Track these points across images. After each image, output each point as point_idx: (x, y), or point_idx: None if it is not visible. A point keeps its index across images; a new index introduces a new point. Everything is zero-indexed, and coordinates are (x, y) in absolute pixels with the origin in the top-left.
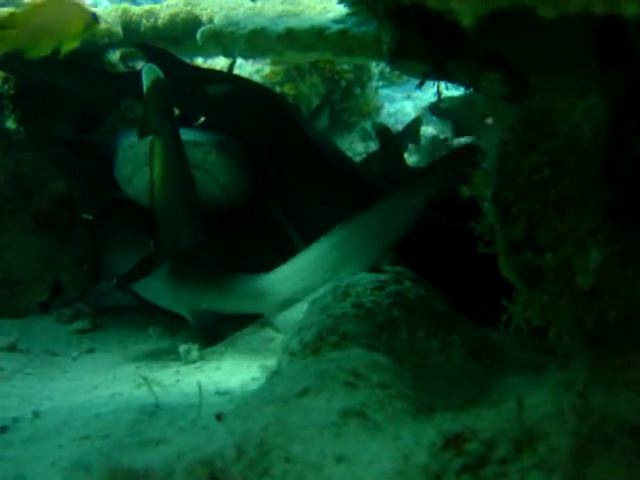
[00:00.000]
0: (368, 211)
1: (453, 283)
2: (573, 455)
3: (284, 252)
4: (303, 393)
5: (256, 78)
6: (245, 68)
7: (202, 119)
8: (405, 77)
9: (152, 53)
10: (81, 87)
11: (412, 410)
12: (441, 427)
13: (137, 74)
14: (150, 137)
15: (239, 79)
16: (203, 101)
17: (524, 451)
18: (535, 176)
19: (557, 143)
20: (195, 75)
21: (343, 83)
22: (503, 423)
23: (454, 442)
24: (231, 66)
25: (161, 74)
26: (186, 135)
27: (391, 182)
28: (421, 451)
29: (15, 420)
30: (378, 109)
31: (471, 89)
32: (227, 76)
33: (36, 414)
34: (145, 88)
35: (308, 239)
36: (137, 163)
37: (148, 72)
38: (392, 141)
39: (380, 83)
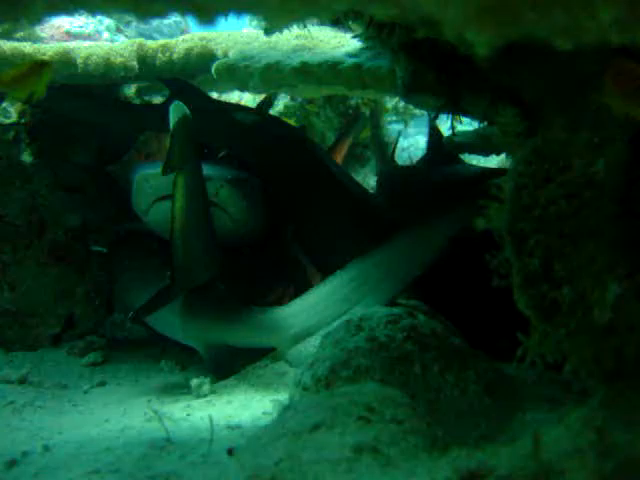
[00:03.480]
0: (385, 246)
1: (470, 317)
2: None
3: (299, 285)
4: (316, 428)
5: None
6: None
7: (222, 153)
8: (418, 111)
9: (176, 86)
10: (105, 118)
11: (426, 446)
12: (456, 463)
13: (160, 106)
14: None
15: (261, 113)
16: (225, 134)
17: None
18: (551, 208)
19: (573, 176)
20: (218, 108)
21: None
22: (520, 460)
23: (470, 479)
24: (266, 103)
25: (188, 112)
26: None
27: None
28: None
29: (25, 454)
30: (391, 143)
31: (485, 122)
32: (250, 109)
33: (46, 448)
34: (172, 125)
35: (325, 272)
36: (153, 196)
37: (175, 110)
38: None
39: (393, 118)
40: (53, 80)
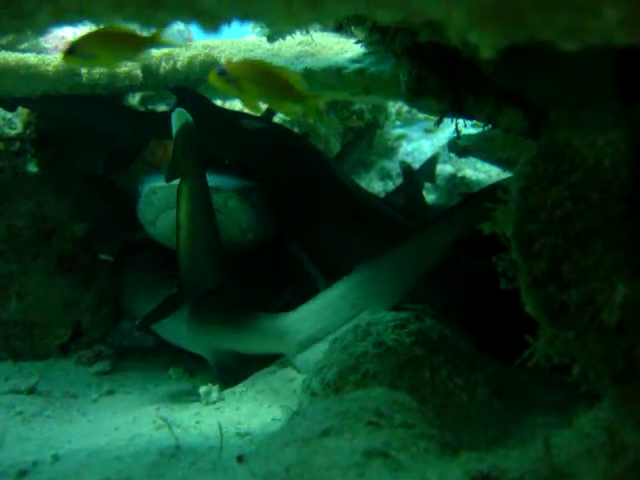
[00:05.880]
0: (392, 250)
1: (480, 322)
2: None
3: (305, 291)
4: (325, 433)
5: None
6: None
7: (226, 162)
8: (422, 115)
9: (184, 96)
10: (114, 125)
11: (436, 450)
12: (468, 467)
13: (168, 114)
14: (175, 181)
15: (268, 121)
16: (231, 141)
17: None
18: (557, 210)
19: (579, 177)
20: (224, 116)
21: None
22: (531, 463)
23: None
24: (271, 111)
25: (190, 119)
26: (208, 180)
27: (414, 220)
28: None
29: (35, 464)
30: (396, 148)
31: (489, 126)
32: (257, 118)
33: (56, 457)
34: (174, 132)
35: (331, 278)
36: (160, 207)
37: (177, 116)
38: (414, 179)
39: (397, 122)
40: (57, 90)
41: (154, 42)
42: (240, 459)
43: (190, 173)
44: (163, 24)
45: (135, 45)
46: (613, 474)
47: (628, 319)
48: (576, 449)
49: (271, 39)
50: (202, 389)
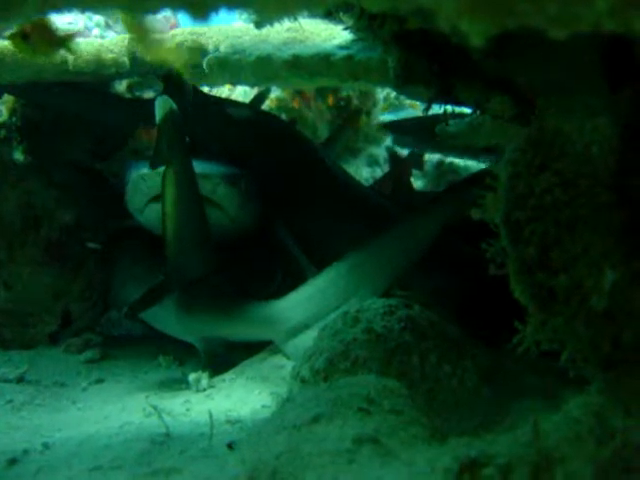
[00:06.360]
0: (381, 237)
1: (469, 308)
2: None
3: (295, 278)
4: (315, 420)
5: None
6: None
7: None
8: (409, 102)
9: (170, 83)
10: (100, 113)
11: (425, 436)
12: (456, 452)
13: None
14: (161, 168)
15: (256, 109)
16: (221, 129)
17: (541, 476)
18: (546, 197)
19: (568, 164)
20: (213, 104)
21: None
22: (519, 448)
23: (469, 468)
24: (258, 98)
25: (174, 106)
26: (196, 167)
27: (401, 206)
28: (436, 477)
29: (25, 452)
30: (384, 135)
31: (478, 112)
32: (245, 105)
33: (46, 445)
34: (158, 119)
35: (321, 265)
36: (149, 194)
37: (161, 104)
38: (402, 166)
39: (389, 109)
40: (43, 78)
41: (63, 45)
42: (230, 446)
43: (175, 160)
44: (153, 12)
45: (50, 44)
46: (601, 458)
47: (616, 305)
48: (565, 434)
49: (259, 25)
50: (192, 376)
